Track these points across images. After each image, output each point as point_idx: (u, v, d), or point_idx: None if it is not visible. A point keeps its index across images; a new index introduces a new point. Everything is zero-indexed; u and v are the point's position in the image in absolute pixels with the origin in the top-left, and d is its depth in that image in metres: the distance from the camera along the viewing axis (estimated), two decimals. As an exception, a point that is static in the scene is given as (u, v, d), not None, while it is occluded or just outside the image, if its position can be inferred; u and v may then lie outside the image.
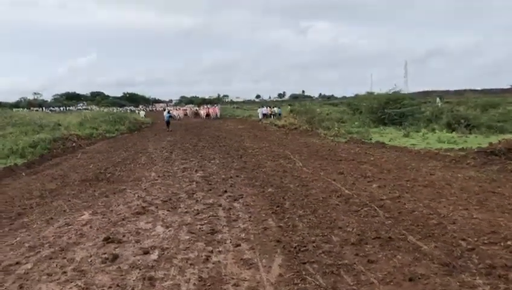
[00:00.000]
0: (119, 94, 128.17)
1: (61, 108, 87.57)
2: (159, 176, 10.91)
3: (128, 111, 66.56)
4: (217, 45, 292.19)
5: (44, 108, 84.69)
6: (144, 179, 10.73)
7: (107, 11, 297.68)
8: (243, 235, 5.68)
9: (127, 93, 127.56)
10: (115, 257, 4.97)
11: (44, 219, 7.22)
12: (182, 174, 11.05)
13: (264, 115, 45.38)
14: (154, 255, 5.04)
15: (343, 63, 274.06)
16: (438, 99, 32.17)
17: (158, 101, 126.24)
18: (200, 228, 6.09)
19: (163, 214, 7.05)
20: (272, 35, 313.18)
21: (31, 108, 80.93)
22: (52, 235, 6.11)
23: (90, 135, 24.40)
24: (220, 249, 5.18)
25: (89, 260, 4.96)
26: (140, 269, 4.61)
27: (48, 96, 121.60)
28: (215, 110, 52.59)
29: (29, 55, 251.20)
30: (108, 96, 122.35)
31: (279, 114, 44.74)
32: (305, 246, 5.06)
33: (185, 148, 17.87)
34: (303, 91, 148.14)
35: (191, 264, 4.70)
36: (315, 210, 6.69)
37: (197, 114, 54.72)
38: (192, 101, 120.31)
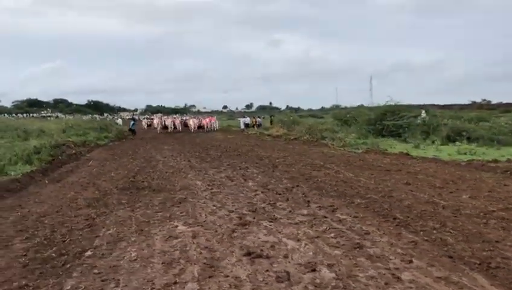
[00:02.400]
0: (83, 102, 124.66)
1: (24, 115, 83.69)
2: (208, 185, 10.24)
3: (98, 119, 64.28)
4: (185, 55, 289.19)
5: (5, 114, 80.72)
6: (192, 188, 10.03)
7: (72, 17, 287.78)
8: (398, 250, 5.17)
9: (91, 101, 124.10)
10: (288, 275, 4.36)
11: (131, 230, 6.47)
12: (232, 184, 10.41)
13: (246, 125, 45.08)
14: (328, 273, 4.45)
15: (310, 76, 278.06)
16: (423, 112, 32.53)
17: (123, 110, 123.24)
18: (338, 241, 5.54)
19: (270, 225, 6.46)
20: (241, 46, 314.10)
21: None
22: (173, 250, 5.41)
23: (84, 142, 23.16)
24: (391, 265, 4.65)
25: (260, 279, 4.32)
26: (333, 290, 4.02)
27: (7, 103, 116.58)
28: (212, 120, 42.88)
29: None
30: (71, 103, 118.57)
31: (260, 124, 44.58)
32: (489, 263, 4.61)
33: (198, 157, 17.14)
34: (270, 103, 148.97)
35: (385, 283, 4.16)
36: (443, 223, 6.27)
37: (185, 125, 41.42)
38: (158, 110, 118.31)
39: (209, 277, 4.39)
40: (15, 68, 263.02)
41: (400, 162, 13.73)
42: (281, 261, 4.82)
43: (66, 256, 5.39)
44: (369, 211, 7.17)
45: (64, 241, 6.09)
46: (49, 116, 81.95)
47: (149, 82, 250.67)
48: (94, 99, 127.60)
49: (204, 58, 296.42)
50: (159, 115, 74.32)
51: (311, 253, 5.09)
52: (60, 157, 16.90)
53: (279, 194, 8.91)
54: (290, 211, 7.28)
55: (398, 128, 25.81)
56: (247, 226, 6.35)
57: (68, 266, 5.02)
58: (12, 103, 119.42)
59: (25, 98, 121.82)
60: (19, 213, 8.04)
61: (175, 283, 4.28)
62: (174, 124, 39.83)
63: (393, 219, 6.53)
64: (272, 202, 8.07)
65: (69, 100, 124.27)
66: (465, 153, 16.18)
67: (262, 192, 9.17)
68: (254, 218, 6.88)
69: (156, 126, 39.51)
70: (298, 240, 5.62)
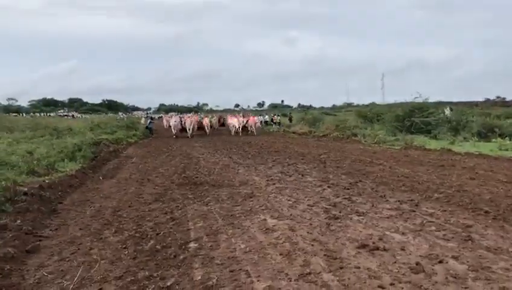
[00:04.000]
0: (97, 101, 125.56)
1: (42, 114, 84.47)
2: (268, 181, 10.22)
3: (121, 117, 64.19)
4: (197, 54, 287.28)
5: (23, 114, 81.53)
6: (252, 183, 10.04)
7: (86, 17, 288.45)
8: (513, 242, 5.11)
9: (106, 100, 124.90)
10: (421, 267, 4.32)
11: (220, 223, 6.49)
12: (292, 179, 10.39)
13: (265, 122, 45.07)
14: (458, 265, 4.42)
15: (321, 74, 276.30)
16: (446, 109, 32.21)
17: (137, 109, 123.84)
18: (444, 235, 5.50)
19: (361, 219, 6.44)
20: (253, 45, 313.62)
21: (9, 113, 77.69)
22: (281, 242, 5.40)
23: (116, 140, 23.29)
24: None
25: (395, 270, 4.29)
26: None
27: (23, 102, 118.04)
28: (254, 119, 32.70)
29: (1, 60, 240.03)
30: (86, 102, 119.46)
31: (280, 122, 44.41)
32: None
33: (237, 153, 17.16)
34: (282, 101, 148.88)
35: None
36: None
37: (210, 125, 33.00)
38: (171, 109, 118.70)
39: (340, 268, 4.36)
40: (30, 68, 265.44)
41: (447, 158, 13.64)
42: (401, 254, 4.79)
43: (171, 248, 5.39)
44: (454, 205, 7.10)
45: (157, 234, 6.10)
46: (65, 115, 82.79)
47: (162, 81, 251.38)
48: (108, 98, 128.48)
49: (217, 57, 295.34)
50: (173, 113, 65.69)
51: (425, 246, 5.04)
52: (100, 154, 16.97)
53: (347, 189, 8.86)
54: (373, 206, 7.23)
55: (427, 125, 25.65)
56: (339, 220, 6.31)
57: (182, 257, 5.01)
58: (29, 102, 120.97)
59: (40, 98, 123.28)
60: (93, 208, 8.08)
61: (309, 273, 4.25)
62: (201, 125, 31.49)
63: (485, 213, 6.46)
64: (346, 197, 8.03)
65: (84, 99, 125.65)
66: (507, 149, 15.99)
67: (328, 187, 9.14)
68: (340, 212, 6.84)
69: (173, 128, 30.20)
70: (403, 233, 5.57)
